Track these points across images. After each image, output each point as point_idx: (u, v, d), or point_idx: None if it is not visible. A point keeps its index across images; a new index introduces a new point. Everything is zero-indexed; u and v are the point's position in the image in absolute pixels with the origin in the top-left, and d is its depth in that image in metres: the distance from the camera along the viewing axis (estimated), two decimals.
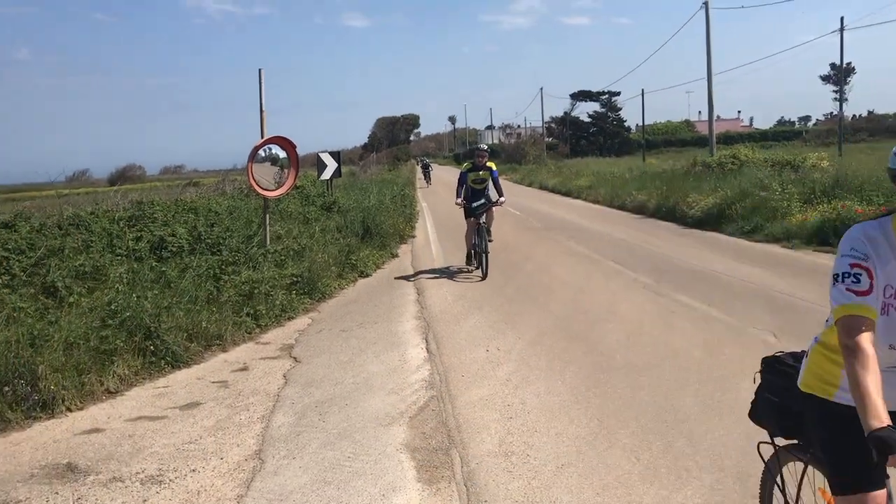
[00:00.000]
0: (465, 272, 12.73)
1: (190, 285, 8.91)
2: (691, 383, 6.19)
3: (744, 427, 5.11)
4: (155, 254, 10.18)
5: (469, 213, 12.39)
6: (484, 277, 11.83)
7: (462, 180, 12.54)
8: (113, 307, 7.52)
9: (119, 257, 9.59)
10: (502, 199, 12.52)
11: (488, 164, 12.58)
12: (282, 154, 12.39)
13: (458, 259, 13.63)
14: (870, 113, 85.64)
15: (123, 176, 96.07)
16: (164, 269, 9.39)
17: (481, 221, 12.22)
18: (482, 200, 12.29)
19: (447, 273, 12.84)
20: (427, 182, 49.04)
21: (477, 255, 12.34)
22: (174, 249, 10.36)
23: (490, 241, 12.35)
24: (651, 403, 5.76)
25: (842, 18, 34.43)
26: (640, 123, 64.37)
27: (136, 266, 9.31)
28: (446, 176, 54.36)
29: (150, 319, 7.52)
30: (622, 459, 4.75)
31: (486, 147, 12.98)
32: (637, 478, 4.47)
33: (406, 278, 12.55)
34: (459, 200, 12.57)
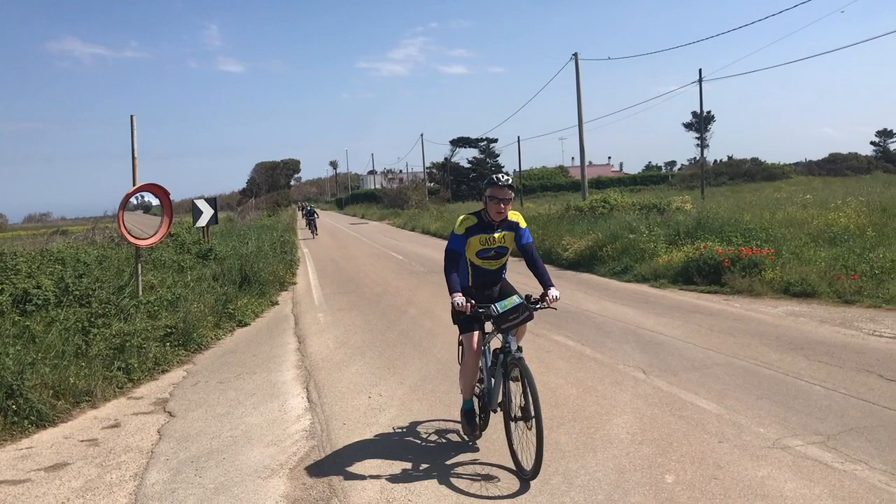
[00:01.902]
0: (461, 441, 6.20)
1: (56, 339, 8.50)
2: (566, 421, 6.40)
3: (615, 461, 5.35)
4: (18, 307, 9.65)
5: (471, 323, 5.78)
6: (532, 476, 5.13)
7: (455, 251, 5.87)
8: None
9: None
10: (554, 291, 5.82)
11: (512, 215, 5.88)
12: (154, 201, 12.11)
13: (343, 304, 13.48)
14: (730, 158, 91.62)
15: None
16: (27, 323, 8.93)
17: (509, 343, 5.53)
18: (515, 300, 5.60)
19: (333, 325, 12.74)
20: (312, 233, 40.25)
21: (485, 410, 5.95)
22: (39, 302, 9.85)
23: (533, 397, 5.19)
24: None
25: (700, 70, 36.88)
26: (517, 169, 66.24)
27: None
28: (334, 225, 53.83)
29: (12, 377, 7.11)
30: (501, 501, 4.84)
31: (509, 179, 5.72)
32: None
33: (287, 326, 12.37)
34: (461, 300, 5.50)
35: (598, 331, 10.26)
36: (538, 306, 5.67)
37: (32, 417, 7.06)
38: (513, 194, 5.67)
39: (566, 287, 15.10)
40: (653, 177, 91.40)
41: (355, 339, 10.79)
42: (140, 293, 11.40)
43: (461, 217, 5.90)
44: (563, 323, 10.93)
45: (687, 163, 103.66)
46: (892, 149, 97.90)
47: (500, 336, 5.60)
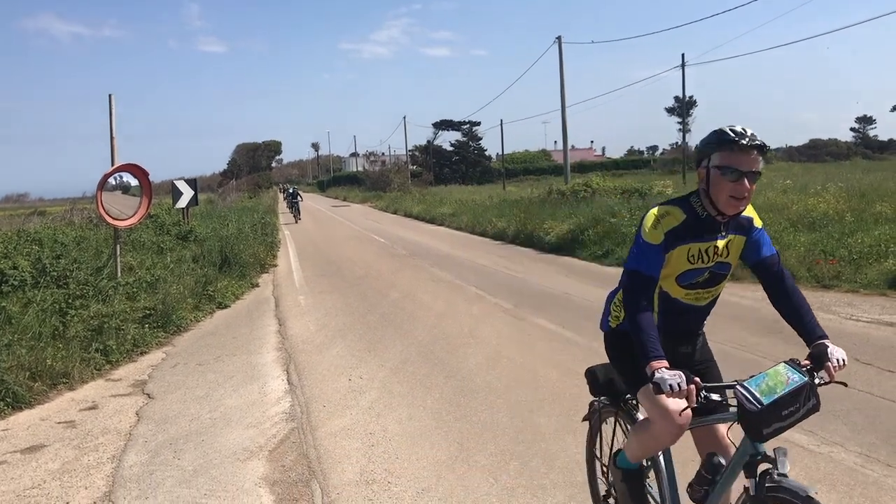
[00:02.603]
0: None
1: (33, 321, 8.41)
2: (547, 403, 6.41)
3: None
4: None
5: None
6: None
7: (645, 277, 3.08)
8: None
9: None
10: (836, 350, 3.09)
11: (747, 212, 3.24)
12: (133, 182, 11.97)
13: (324, 287, 13.43)
14: None
15: None
16: (3, 304, 8.82)
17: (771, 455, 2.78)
18: (790, 374, 2.83)
19: (313, 308, 12.70)
20: (295, 217, 37.29)
21: None
22: (15, 283, 9.74)
23: None
24: (509, 425, 5.92)
25: (682, 55, 36.95)
26: (500, 152, 66.37)
27: None
28: (315, 207, 53.28)
29: None
30: (481, 481, 4.85)
31: (755, 137, 2.93)
32: (495, 499, 4.59)
33: (267, 308, 12.32)
34: (677, 381, 2.72)
35: (579, 314, 10.29)
36: (822, 381, 2.98)
37: (8, 399, 6.99)
38: (762, 163, 3.10)
39: (548, 271, 15.14)
40: (635, 161, 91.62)
41: (336, 322, 10.76)
42: (119, 274, 11.30)
43: (653, 212, 3.12)
44: (545, 306, 10.95)
45: (669, 147, 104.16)
46: (871, 135, 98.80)
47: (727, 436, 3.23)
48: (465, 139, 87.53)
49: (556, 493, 4.60)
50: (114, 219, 11.31)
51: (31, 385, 7.32)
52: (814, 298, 10.44)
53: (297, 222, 35.84)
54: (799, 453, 5.01)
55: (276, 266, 18.38)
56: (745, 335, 8.50)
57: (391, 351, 8.74)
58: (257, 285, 15.07)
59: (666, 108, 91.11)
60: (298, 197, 39.00)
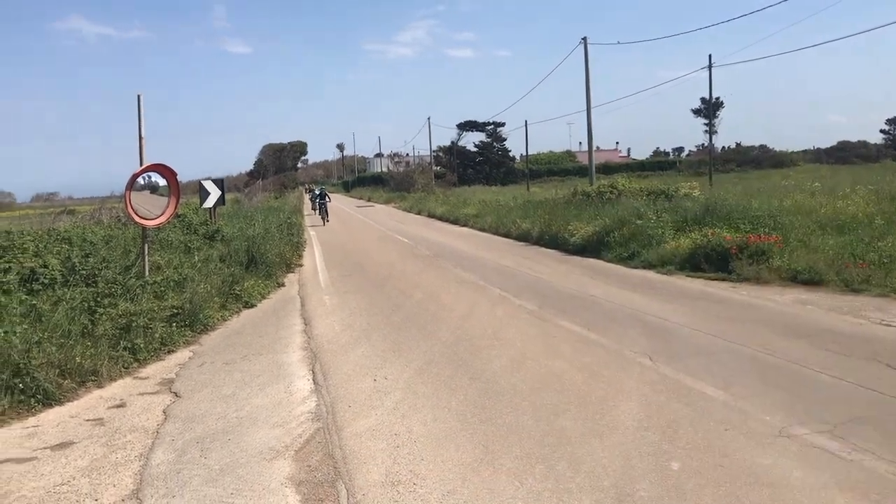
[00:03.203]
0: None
1: (63, 319, 8.50)
2: (572, 406, 6.38)
3: (622, 448, 5.35)
4: (25, 286, 9.67)
5: None
6: None
7: None
8: None
9: None
10: None
11: None
12: (161, 182, 12.07)
13: (349, 287, 13.47)
14: (738, 144, 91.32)
15: None
16: (34, 302, 8.93)
17: None
18: None
19: (339, 308, 12.74)
20: (323, 219, 34.18)
21: None
22: (46, 281, 9.88)
23: None
24: (534, 428, 5.90)
25: (710, 56, 36.68)
26: (525, 153, 66.24)
27: (3, 299, 8.80)
28: (340, 208, 52.67)
29: (19, 356, 7.12)
30: (506, 485, 4.84)
31: None
32: (521, 502, 4.58)
33: (293, 308, 12.38)
34: None
35: (605, 316, 10.23)
36: None
37: (39, 396, 7.08)
38: None
39: (572, 272, 15.08)
40: (660, 163, 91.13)
41: (361, 322, 10.79)
42: (146, 273, 11.41)
43: None
44: (569, 308, 10.91)
45: (695, 149, 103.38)
46: None
47: None
48: (489, 140, 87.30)
49: (583, 498, 4.57)
50: (142, 218, 11.42)
51: (60, 382, 7.41)
52: (843, 302, 10.32)
53: (324, 224, 33.68)
54: (829, 460, 4.94)
55: (301, 266, 18.47)
56: (774, 339, 8.41)
57: (415, 352, 8.74)
58: (283, 285, 15.15)
59: (692, 110, 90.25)
60: (326, 198, 36.20)
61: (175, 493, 5.01)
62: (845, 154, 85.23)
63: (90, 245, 12.35)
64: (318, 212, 34.69)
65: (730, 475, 4.77)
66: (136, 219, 11.31)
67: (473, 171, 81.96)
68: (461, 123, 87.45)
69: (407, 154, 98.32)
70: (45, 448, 6.02)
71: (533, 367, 7.73)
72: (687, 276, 13.71)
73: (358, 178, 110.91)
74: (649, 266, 15.08)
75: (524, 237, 22.92)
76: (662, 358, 7.79)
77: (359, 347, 9.19)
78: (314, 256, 20.74)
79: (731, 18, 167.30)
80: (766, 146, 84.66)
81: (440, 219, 36.19)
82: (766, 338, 8.51)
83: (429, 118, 77.44)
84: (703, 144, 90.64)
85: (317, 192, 37.88)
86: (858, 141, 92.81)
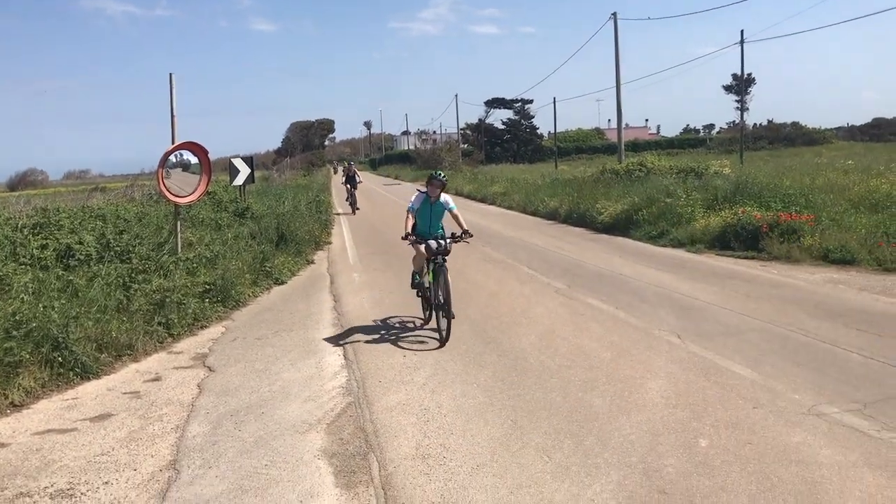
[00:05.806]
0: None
1: (99, 294, 8.69)
2: (600, 383, 6.42)
3: (649, 425, 5.38)
4: (62, 262, 9.88)
5: None
6: None
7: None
8: (18, 318, 7.25)
9: (23, 266, 9.27)
10: None
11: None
12: (193, 160, 12.21)
13: (378, 265, 13.51)
14: (769, 122, 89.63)
15: (24, 180, 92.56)
16: (71, 277, 9.13)
17: None
18: None
19: (368, 285, 12.84)
20: (351, 206, 28.53)
21: None
22: (82, 258, 10.08)
23: None
24: (562, 404, 5.96)
25: (742, 32, 36.03)
26: (553, 131, 65.85)
27: (41, 275, 9.00)
28: (368, 186, 50.04)
29: (58, 330, 7.30)
30: (535, 459, 4.90)
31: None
32: (549, 476, 4.64)
33: (323, 285, 12.50)
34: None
35: (633, 295, 10.23)
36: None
37: (77, 369, 7.26)
38: None
39: (601, 251, 15.05)
40: (690, 140, 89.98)
41: (390, 299, 10.88)
42: (179, 250, 11.58)
43: None
44: (597, 286, 10.91)
45: (726, 126, 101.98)
46: None
47: None
48: (517, 117, 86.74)
49: (611, 472, 4.63)
50: (174, 195, 11.57)
51: (97, 356, 7.59)
52: (875, 282, 10.22)
53: (354, 213, 27.85)
54: (858, 438, 4.95)
55: (330, 244, 18.58)
56: (804, 318, 8.36)
57: None
58: (313, 262, 15.28)
59: (723, 86, 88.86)
60: (357, 178, 29.48)
61: (211, 463, 5.13)
62: (880, 131, 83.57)
63: (124, 222, 12.56)
64: (348, 190, 29.25)
65: (758, 452, 4.80)
66: (169, 196, 11.47)
67: (501, 149, 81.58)
68: (489, 100, 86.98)
69: (434, 132, 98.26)
70: (84, 419, 6.19)
71: (561, 345, 7.77)
72: (717, 254, 13.63)
73: (385, 155, 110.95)
74: (678, 245, 15.00)
75: (552, 216, 22.85)
76: (691, 336, 7.79)
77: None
78: (343, 234, 20.84)
79: None
80: (798, 123, 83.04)
81: (468, 197, 36.14)
82: (796, 317, 8.47)
83: (456, 95, 77.42)
84: (734, 122, 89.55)
85: (349, 172, 29.94)
86: (894, 118, 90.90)
